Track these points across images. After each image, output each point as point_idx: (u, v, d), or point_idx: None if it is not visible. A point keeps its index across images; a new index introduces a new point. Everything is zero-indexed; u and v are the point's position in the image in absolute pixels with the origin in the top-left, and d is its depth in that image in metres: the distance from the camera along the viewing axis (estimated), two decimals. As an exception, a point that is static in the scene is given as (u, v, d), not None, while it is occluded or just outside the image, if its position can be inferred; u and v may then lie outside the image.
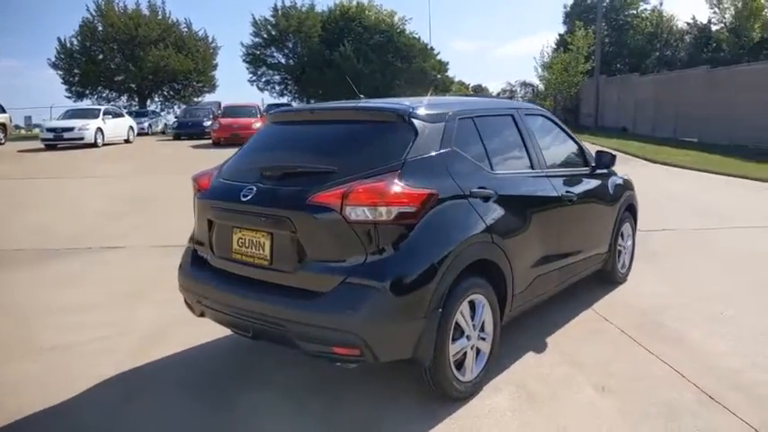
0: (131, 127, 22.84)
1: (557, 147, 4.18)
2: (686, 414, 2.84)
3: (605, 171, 4.60)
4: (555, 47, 35.70)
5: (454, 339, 2.85)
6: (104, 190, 11.18)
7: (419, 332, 2.64)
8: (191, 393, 3.18)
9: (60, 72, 33.88)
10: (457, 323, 2.85)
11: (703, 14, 58.44)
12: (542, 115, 4.16)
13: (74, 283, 5.19)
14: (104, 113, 21.31)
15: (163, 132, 30.10)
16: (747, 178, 11.92)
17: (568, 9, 38.67)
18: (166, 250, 6.38)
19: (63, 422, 2.92)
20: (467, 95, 40.95)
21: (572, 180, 4.09)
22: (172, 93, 36.05)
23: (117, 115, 22.68)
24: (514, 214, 3.30)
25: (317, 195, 2.64)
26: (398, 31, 36.99)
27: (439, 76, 38.95)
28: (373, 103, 3.32)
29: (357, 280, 2.57)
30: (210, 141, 21.28)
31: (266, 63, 38.40)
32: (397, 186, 2.64)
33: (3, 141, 21.32)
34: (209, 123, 24.54)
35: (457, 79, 42.98)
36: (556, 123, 4.28)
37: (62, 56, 33.57)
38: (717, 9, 35.22)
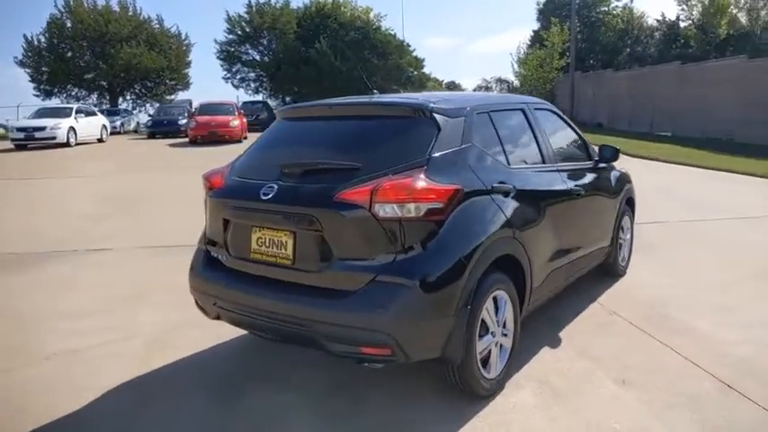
0: (104, 126, 22.27)
1: (563, 140, 4.19)
2: (709, 404, 2.88)
3: (606, 165, 4.64)
4: (529, 43, 36.05)
5: (480, 336, 2.83)
6: (84, 190, 10.88)
7: (449, 330, 2.61)
8: (208, 396, 3.10)
9: (28, 70, 32.89)
10: (482, 320, 2.83)
11: (672, 11, 59.81)
12: (549, 109, 4.17)
13: (68, 287, 5.02)
14: (77, 112, 20.71)
15: (135, 131, 29.47)
16: (723, 170, 12.22)
17: (542, 6, 39.03)
18: (156, 251, 6.26)
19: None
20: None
21: (579, 174, 4.11)
22: (144, 91, 35.27)
23: (89, 114, 22.10)
24: (531, 209, 3.29)
25: (343, 192, 2.58)
26: (374, 27, 36.86)
27: (415, 72, 38.95)
28: (393, 99, 3.27)
29: (387, 278, 2.52)
30: (186, 140, 20.94)
31: (241, 60, 37.90)
32: (426, 182, 2.60)
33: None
34: (184, 122, 24.10)
35: (432, 76, 43.12)
36: (561, 117, 4.30)
37: (29, 53, 32.55)
38: (685, 6, 35.97)
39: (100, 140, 21.53)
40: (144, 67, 32.69)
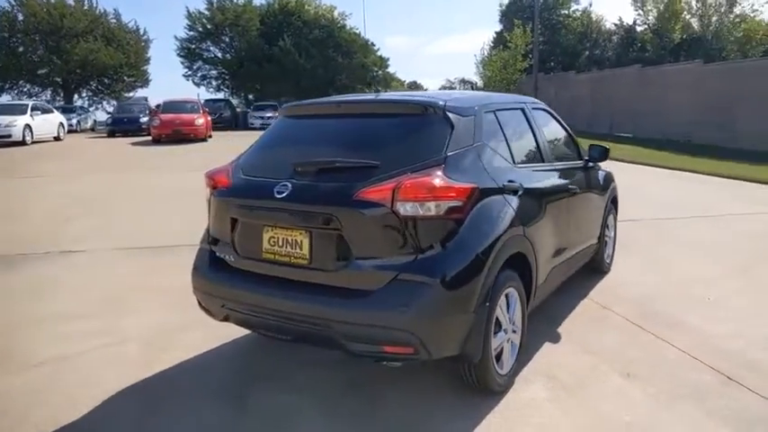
0: (62, 124, 21.46)
1: (558, 140, 4.27)
2: (713, 395, 2.98)
3: (593, 164, 4.74)
4: (492, 45, 36.55)
5: (495, 333, 2.86)
6: (48, 190, 10.46)
7: (469, 327, 2.62)
8: (218, 399, 3.02)
9: (-25, 65, 31.44)
10: (496, 317, 2.85)
11: (629, 16, 61.66)
12: (544, 109, 4.23)
13: (47, 291, 4.81)
14: (32, 109, 19.88)
15: (92, 129, 28.55)
16: (686, 171, 12.68)
17: (504, 8, 39.66)
18: (133, 253, 6.08)
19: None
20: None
21: (574, 172, 4.19)
22: (101, 88, 34.17)
23: (46, 111, 21.25)
24: (536, 207, 3.34)
25: (364, 191, 2.56)
26: (339, 26, 36.71)
27: (380, 71, 39.00)
28: (403, 97, 3.25)
29: (409, 276, 2.51)
30: (148, 138, 20.42)
31: (202, 57, 37.13)
32: (446, 180, 2.61)
33: None
34: (146, 119, 23.51)
35: (395, 75, 43.19)
36: (554, 117, 4.38)
37: (-24, 48, 31.15)
38: (641, 11, 37.21)
39: (57, 139, 20.76)
40: (101, 63, 31.69)
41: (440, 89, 44.71)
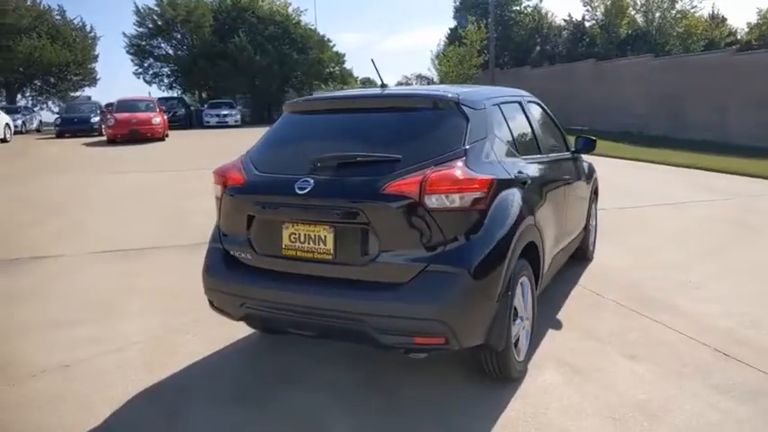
0: (8, 124, 20.50)
1: (550, 131, 4.39)
2: (715, 371, 3.14)
3: (579, 155, 4.89)
4: (448, 41, 36.90)
5: (513, 321, 2.92)
6: (4, 193, 9.97)
7: (493, 316, 2.68)
8: (238, 401, 2.98)
9: None
10: (514, 305, 2.92)
11: (578, 12, 63.31)
12: (536, 102, 4.34)
13: (31, 299, 4.62)
14: (-24, 110, 18.95)
15: (38, 130, 27.36)
16: (642, 161, 13.19)
17: (458, 4, 40.09)
18: (107, 256, 5.90)
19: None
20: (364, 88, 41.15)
21: (565, 163, 4.32)
22: (46, 87, 32.74)
23: (-10, 112, 20.29)
24: (541, 197, 3.43)
25: (391, 184, 2.57)
26: (294, 22, 36.28)
27: (337, 68, 38.79)
28: (416, 91, 3.27)
29: (439, 267, 2.55)
30: (101, 139, 19.76)
31: (153, 55, 36.04)
32: (469, 172, 2.65)
33: None
34: (97, 119, 22.72)
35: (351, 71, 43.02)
36: (544, 109, 4.49)
37: None
38: (589, 6, 38.27)
39: (3, 140, 19.81)
40: (46, 61, 30.39)
41: (396, 85, 44.94)
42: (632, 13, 37.05)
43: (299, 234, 2.77)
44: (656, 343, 3.53)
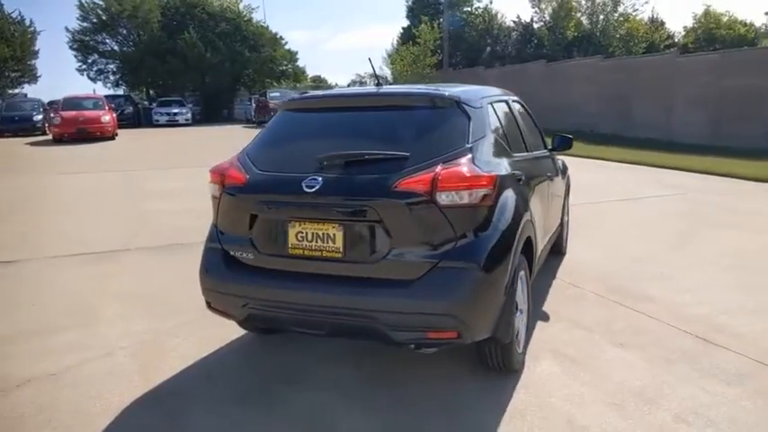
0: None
1: (531, 129, 4.50)
2: (701, 356, 3.31)
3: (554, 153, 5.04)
4: (401, 40, 37.10)
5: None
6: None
7: (500, 309, 2.75)
8: (242, 404, 2.94)
9: None
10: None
11: (527, 13, 64.83)
12: (518, 101, 4.45)
13: (5, 305, 4.40)
14: None
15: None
16: (595, 158, 13.67)
17: (411, 3, 40.36)
18: (74, 260, 5.68)
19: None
20: (318, 87, 40.82)
21: (545, 160, 4.45)
22: (-19, 84, 30.98)
23: None
24: (532, 194, 3.53)
25: (403, 181, 2.60)
26: (246, 19, 35.63)
27: (290, 66, 38.36)
28: (417, 89, 3.29)
29: (450, 263, 2.59)
30: (45, 138, 18.91)
31: (98, 51, 34.65)
32: (477, 169, 2.70)
33: None
34: (40, 117, 21.71)
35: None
36: (526, 108, 4.61)
37: None
38: (538, 8, 39.29)
39: (-63, 140, 18.66)
40: (-19, 57, 28.73)
41: (349, 84, 44.82)
42: (578, 15, 38.25)
43: (307, 233, 2.76)
44: (641, 331, 3.69)
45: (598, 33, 38.05)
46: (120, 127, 22.55)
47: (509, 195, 2.95)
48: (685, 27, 41.35)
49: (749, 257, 5.30)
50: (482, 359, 3.04)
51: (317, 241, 2.74)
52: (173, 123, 28.13)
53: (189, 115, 29.28)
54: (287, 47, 37.92)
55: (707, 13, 39.12)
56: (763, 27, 42.26)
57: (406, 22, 40.30)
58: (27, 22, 31.75)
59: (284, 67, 37.95)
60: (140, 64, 33.21)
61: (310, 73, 44.93)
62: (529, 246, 3.28)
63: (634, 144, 15.48)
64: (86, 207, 8.47)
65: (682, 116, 16.25)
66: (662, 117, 16.79)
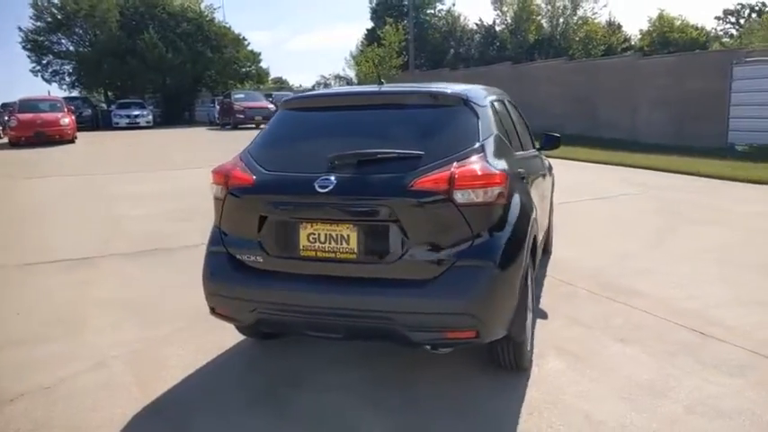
0: None
1: (523, 129, 4.54)
2: (699, 349, 3.39)
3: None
4: (366, 42, 37.11)
5: (525, 312, 3.01)
6: None
7: (515, 307, 2.74)
8: (253, 408, 2.86)
9: None
10: (524, 296, 3.01)
11: (489, 16, 65.70)
12: (511, 101, 4.48)
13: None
14: None
15: None
16: (564, 158, 13.91)
17: (374, 5, 40.45)
18: (51, 267, 5.45)
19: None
20: (282, 89, 40.38)
21: (537, 159, 4.50)
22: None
23: None
24: (533, 192, 3.55)
25: (420, 180, 2.57)
26: (208, 19, 35.00)
27: (253, 67, 37.86)
28: (423, 88, 3.25)
29: (467, 262, 2.58)
30: (2, 141, 18.13)
31: (52, 51, 33.46)
32: (491, 167, 2.69)
33: None
34: (-7, 121, 20.87)
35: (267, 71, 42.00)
36: (517, 107, 4.64)
37: None
38: (500, 11, 39.93)
39: None
40: (-75, 57, 27.35)
41: (313, 86, 44.56)
42: (539, 18, 39.03)
43: (319, 234, 2.70)
44: (638, 326, 3.76)
45: (558, 36, 38.95)
46: (79, 130, 21.85)
47: (519, 194, 2.96)
48: (641, 30, 42.70)
49: (727, 252, 5.47)
50: (493, 358, 3.03)
51: (330, 242, 2.68)
52: (133, 126, 27.43)
53: (150, 117, 28.63)
54: (249, 47, 37.42)
55: (661, 17, 40.45)
56: (713, 31, 44.08)
57: (370, 24, 40.45)
58: (-24, 21, 30.42)
59: (248, 69, 37.42)
60: (98, 65, 32.24)
61: (273, 74, 44.53)
62: (534, 244, 3.30)
63: (600, 144, 15.86)
64: (56, 213, 8.15)
65: (645, 117, 16.73)
66: (626, 118, 17.25)
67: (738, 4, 47.10)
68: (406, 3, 36.44)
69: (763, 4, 45.94)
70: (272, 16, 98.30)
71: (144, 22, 32.62)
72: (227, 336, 3.57)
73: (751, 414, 2.68)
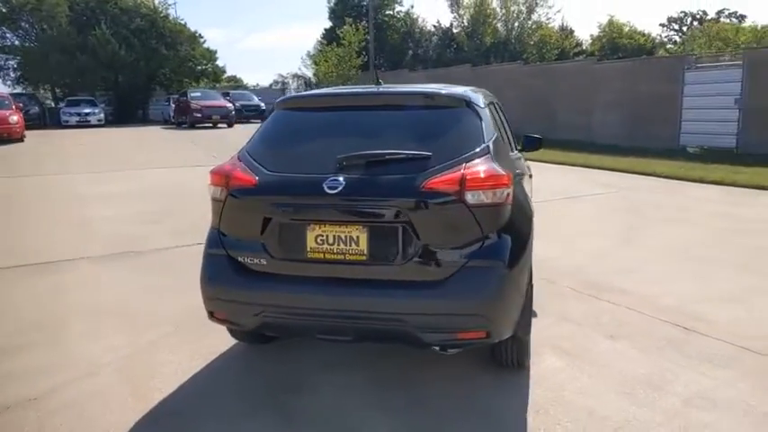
0: None
1: (509, 130, 4.60)
2: (684, 343, 3.52)
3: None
4: (324, 41, 36.89)
5: (526, 311, 3.05)
6: None
7: (522, 306, 2.78)
8: (257, 414, 2.80)
9: None
10: (525, 296, 3.05)
11: (447, 18, 66.28)
12: (498, 103, 4.53)
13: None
14: None
15: None
16: (527, 159, 14.22)
17: (333, 5, 40.26)
18: (22, 272, 5.22)
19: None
20: (237, 87, 39.65)
21: (521, 160, 4.57)
22: None
23: None
24: (525, 191, 3.61)
25: (431, 181, 2.57)
26: (162, 15, 34.04)
27: (209, 65, 37.06)
28: (422, 89, 3.25)
29: (478, 263, 2.59)
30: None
31: (-5, 45, 31.89)
32: (499, 168, 2.72)
33: None
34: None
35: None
36: (502, 109, 4.71)
37: None
38: (457, 14, 40.42)
39: None
40: None
41: (271, 84, 43.98)
42: (494, 22, 39.71)
43: (327, 236, 2.66)
44: (624, 323, 3.87)
45: (513, 40, 39.74)
46: (26, 128, 20.88)
47: (521, 194, 3.01)
48: (592, 35, 44.01)
49: (697, 250, 5.70)
50: (496, 356, 3.07)
51: (339, 244, 2.65)
52: (84, 124, 26.38)
53: (102, 115, 27.60)
54: (205, 45, 36.64)
55: (611, 22, 41.81)
56: (658, 37, 45.91)
57: (328, 24, 40.21)
58: None
59: (203, 67, 36.60)
60: (45, 60, 30.82)
61: (228, 73, 43.69)
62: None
63: (559, 145, 16.23)
64: (22, 215, 7.78)
65: (601, 119, 17.27)
66: (583, 120, 17.77)
67: (681, 11, 49.29)
68: (365, 3, 36.48)
69: (704, 13, 48.26)
70: (226, 14, 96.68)
71: (96, 18, 31.44)
72: (217, 341, 3.50)
73: (745, 405, 2.80)
